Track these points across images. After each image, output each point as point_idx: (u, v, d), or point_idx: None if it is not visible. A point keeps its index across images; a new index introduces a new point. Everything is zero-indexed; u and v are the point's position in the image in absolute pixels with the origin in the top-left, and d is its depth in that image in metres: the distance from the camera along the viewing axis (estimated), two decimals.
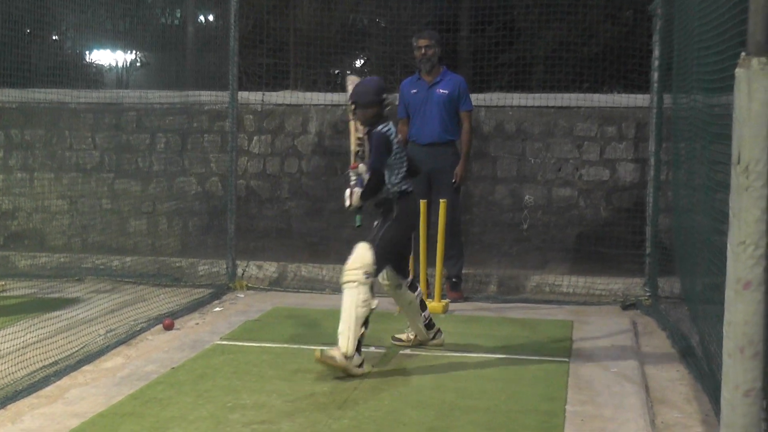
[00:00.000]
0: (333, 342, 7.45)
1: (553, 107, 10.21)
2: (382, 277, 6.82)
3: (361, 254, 6.49)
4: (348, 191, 6.68)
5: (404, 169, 6.74)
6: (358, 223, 6.79)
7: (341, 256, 10.38)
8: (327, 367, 6.37)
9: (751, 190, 4.17)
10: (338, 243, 10.49)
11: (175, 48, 11.18)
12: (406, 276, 7.03)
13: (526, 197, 10.24)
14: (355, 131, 6.79)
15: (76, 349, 6.89)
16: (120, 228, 10.73)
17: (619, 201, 10.10)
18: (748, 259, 4.20)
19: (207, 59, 11.30)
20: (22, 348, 6.61)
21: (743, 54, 4.23)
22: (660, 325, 8.12)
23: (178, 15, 12.97)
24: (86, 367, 6.57)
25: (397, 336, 7.26)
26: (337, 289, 9.60)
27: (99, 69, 13.63)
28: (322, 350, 6.38)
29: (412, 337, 7.16)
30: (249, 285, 9.71)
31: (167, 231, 10.81)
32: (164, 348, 7.19)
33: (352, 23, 12.50)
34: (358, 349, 6.42)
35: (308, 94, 10.75)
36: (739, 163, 4.20)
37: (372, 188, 6.59)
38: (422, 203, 7.48)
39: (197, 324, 8.05)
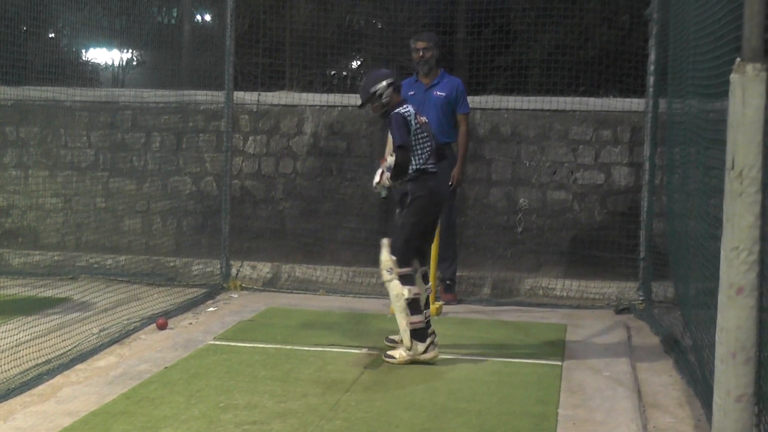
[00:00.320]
0: (327, 343, 7.48)
1: (548, 110, 10.22)
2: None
3: (382, 253, 6.82)
4: (379, 171, 6.93)
5: (427, 149, 6.91)
6: (383, 195, 7.04)
7: (335, 257, 10.53)
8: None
9: (745, 196, 4.18)
10: (332, 244, 10.51)
11: (171, 47, 11.17)
12: (425, 262, 7.14)
13: (521, 200, 10.24)
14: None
15: (69, 347, 6.88)
16: (114, 227, 10.72)
17: (613, 205, 10.11)
18: (741, 265, 4.21)
19: (203, 58, 11.28)
20: (15, 346, 6.60)
21: (738, 60, 4.24)
22: (653, 330, 8.12)
23: (175, 14, 12.96)
24: (79, 366, 6.57)
25: (390, 337, 7.25)
26: (330, 290, 9.67)
27: (95, 67, 13.62)
28: (384, 353, 6.91)
29: None
30: (243, 285, 9.71)
31: (161, 230, 10.80)
32: (157, 347, 7.18)
33: (348, 24, 12.50)
34: (420, 337, 6.74)
35: (304, 95, 10.74)
36: (732, 168, 4.21)
37: (400, 164, 6.75)
38: None
39: (191, 324, 8.05)
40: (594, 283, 9.67)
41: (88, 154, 10.93)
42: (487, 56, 10.63)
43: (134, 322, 7.79)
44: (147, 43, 11.99)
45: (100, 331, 7.44)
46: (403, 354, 6.80)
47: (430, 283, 7.26)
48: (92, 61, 13.76)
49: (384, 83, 6.95)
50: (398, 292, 6.72)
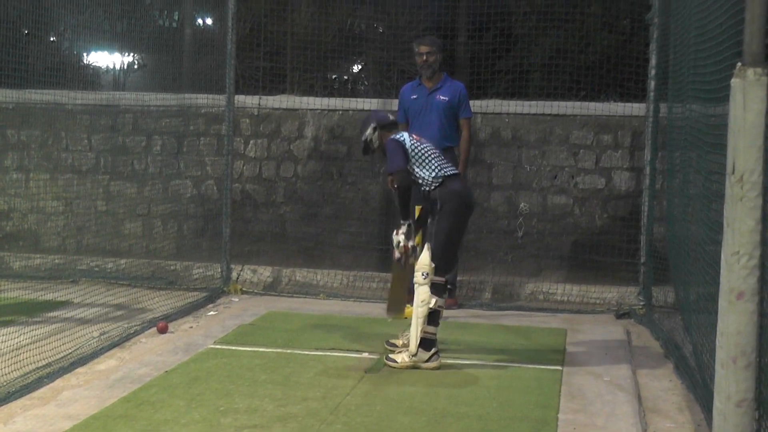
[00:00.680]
0: (327, 347, 7.47)
1: (549, 115, 10.22)
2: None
3: (422, 255, 6.83)
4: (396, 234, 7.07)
5: (436, 156, 6.99)
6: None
7: (336, 261, 10.53)
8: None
9: (746, 200, 4.18)
10: (333, 248, 10.51)
11: (172, 50, 11.16)
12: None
13: (522, 205, 10.24)
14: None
15: (70, 351, 6.88)
16: (115, 230, 10.71)
17: (614, 209, 10.10)
18: (741, 270, 4.21)
19: (204, 62, 11.29)
20: (16, 349, 6.60)
21: (739, 64, 4.25)
22: (653, 335, 8.12)
23: (176, 17, 12.96)
24: (79, 369, 6.56)
25: (391, 341, 7.25)
26: (331, 294, 9.67)
27: (96, 70, 13.62)
28: (386, 356, 6.92)
29: (405, 340, 7.13)
30: (243, 289, 9.71)
31: (162, 234, 10.80)
32: (158, 351, 7.18)
33: (349, 28, 12.50)
34: (427, 346, 6.76)
35: (305, 99, 10.74)
36: (733, 173, 4.21)
37: (401, 187, 6.89)
38: (417, 209, 7.50)
39: (191, 327, 8.05)
40: (594, 288, 9.66)
41: (89, 157, 10.93)
42: (488, 60, 10.63)
43: (135, 326, 7.79)
44: (148, 46, 11.99)
45: (101, 334, 7.44)
46: (406, 359, 6.79)
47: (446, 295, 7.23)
48: (93, 64, 13.76)
49: (370, 130, 7.14)
50: (425, 298, 6.72)
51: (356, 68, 13.93)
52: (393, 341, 7.23)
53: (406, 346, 7.14)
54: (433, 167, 6.90)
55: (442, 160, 7.04)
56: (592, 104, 10.24)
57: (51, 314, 8.03)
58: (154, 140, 10.87)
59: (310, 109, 10.66)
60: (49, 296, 8.26)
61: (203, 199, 10.76)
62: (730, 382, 4.26)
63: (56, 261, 10.30)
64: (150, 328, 7.80)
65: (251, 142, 10.75)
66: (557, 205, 10.19)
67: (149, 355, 7.04)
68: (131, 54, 13.38)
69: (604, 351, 7.57)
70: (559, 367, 6.98)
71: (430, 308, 6.74)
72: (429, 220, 7.00)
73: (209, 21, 13.87)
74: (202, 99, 10.38)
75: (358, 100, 10.73)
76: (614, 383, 6.61)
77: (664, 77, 8.76)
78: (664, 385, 6.62)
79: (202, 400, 5.92)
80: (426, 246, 6.84)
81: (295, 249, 10.63)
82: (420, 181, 6.90)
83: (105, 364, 6.77)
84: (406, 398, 6.09)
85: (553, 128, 10.22)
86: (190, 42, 11.85)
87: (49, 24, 10.80)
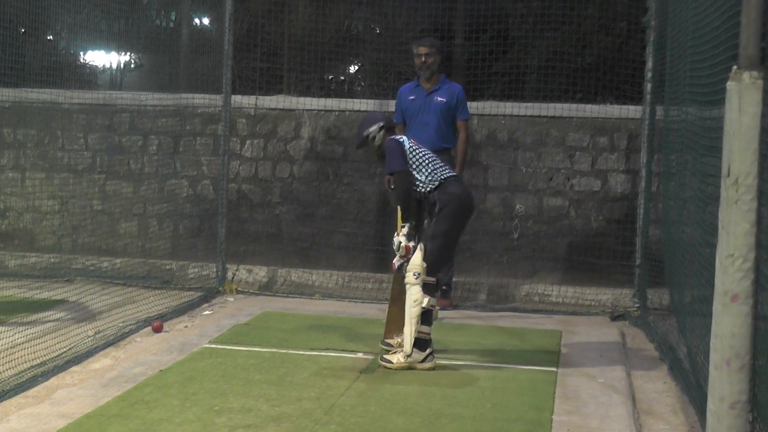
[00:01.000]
0: (322, 347, 7.47)
1: (545, 117, 10.23)
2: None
3: (414, 256, 6.83)
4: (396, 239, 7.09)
5: (433, 159, 7.01)
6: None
7: (331, 261, 10.53)
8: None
9: (741, 203, 4.19)
10: (328, 249, 10.51)
11: (169, 50, 11.17)
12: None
13: (517, 206, 10.25)
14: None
15: (65, 349, 6.87)
16: (110, 229, 10.71)
17: (609, 212, 10.11)
18: (736, 272, 4.21)
19: (201, 62, 11.30)
20: (10, 348, 6.59)
21: (735, 67, 4.25)
22: (648, 337, 8.13)
23: (173, 17, 12.96)
24: (74, 368, 6.56)
25: (386, 341, 7.26)
26: (326, 294, 9.67)
27: (93, 70, 13.62)
28: (381, 357, 6.92)
29: (400, 340, 7.13)
30: (239, 289, 9.70)
31: (158, 233, 10.79)
32: (152, 350, 7.18)
33: (346, 29, 12.51)
34: (422, 347, 6.78)
35: (301, 99, 10.75)
36: (728, 176, 4.22)
37: (400, 189, 6.92)
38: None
39: (186, 327, 8.05)
40: (590, 290, 9.67)
41: (85, 156, 10.92)
42: (485, 62, 10.64)
43: (130, 325, 7.78)
44: (145, 46, 12.00)
45: (96, 333, 7.43)
46: (401, 359, 6.80)
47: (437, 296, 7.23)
48: (90, 63, 13.77)
49: (376, 127, 7.14)
50: (417, 298, 6.74)
51: (353, 69, 13.94)
52: (388, 341, 7.24)
53: (401, 346, 7.16)
54: (430, 170, 6.91)
55: (440, 163, 7.05)
56: (589, 106, 10.25)
57: (46, 313, 8.02)
58: (151, 140, 10.87)
59: (307, 110, 10.66)
60: (45, 295, 8.25)
61: (199, 199, 10.75)
62: (724, 384, 4.27)
63: (52, 260, 10.29)
64: (145, 327, 7.79)
65: (247, 142, 10.76)
66: (553, 207, 10.20)
67: (144, 355, 7.04)
68: (128, 53, 13.39)
69: (598, 353, 7.58)
70: (553, 369, 6.99)
71: (423, 308, 6.75)
72: (426, 222, 7.00)
73: (206, 21, 13.87)
74: (199, 99, 10.38)
75: (355, 101, 10.73)
76: (609, 385, 6.62)
77: (661, 80, 8.78)
78: (658, 387, 6.63)
79: (197, 400, 5.92)
80: (419, 246, 6.84)
81: (291, 249, 10.63)
82: (417, 183, 6.91)
83: (100, 363, 6.77)
84: (400, 399, 6.10)
85: (549, 130, 10.22)
86: (187, 42, 11.85)
87: (46, 23, 10.80)
